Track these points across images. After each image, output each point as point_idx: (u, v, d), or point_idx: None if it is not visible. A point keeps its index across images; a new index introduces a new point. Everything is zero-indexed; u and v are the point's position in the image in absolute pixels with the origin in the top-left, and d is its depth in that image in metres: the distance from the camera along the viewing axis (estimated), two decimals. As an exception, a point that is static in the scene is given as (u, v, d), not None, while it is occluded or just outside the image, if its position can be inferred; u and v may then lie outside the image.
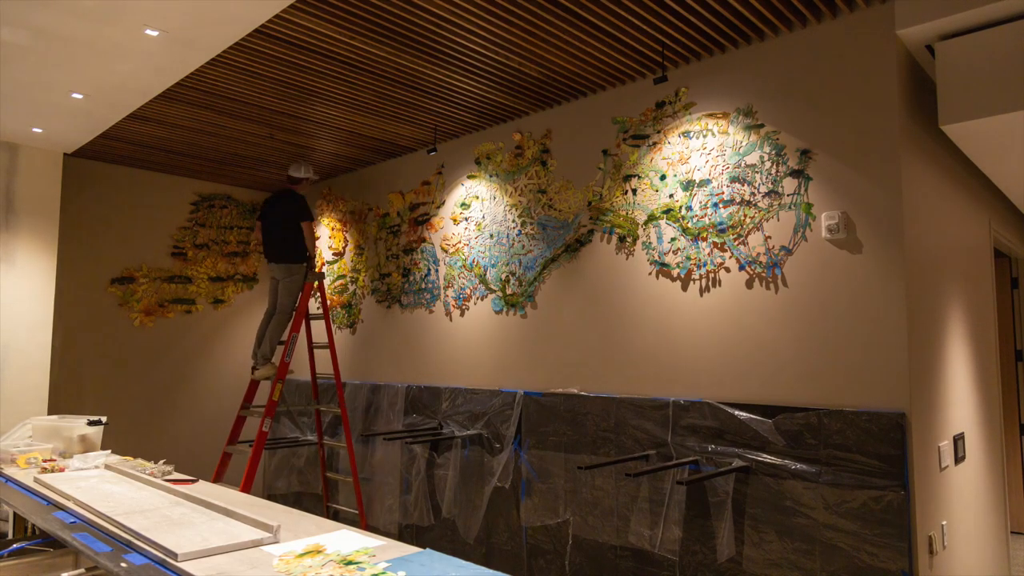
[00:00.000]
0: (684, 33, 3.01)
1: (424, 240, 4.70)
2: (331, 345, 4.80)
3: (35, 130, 4.03)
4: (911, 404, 2.56)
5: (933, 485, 2.73)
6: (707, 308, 3.15)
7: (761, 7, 2.77)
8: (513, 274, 4.04)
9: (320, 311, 5.43)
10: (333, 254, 5.53)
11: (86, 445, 3.39)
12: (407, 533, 4.50)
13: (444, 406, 4.32)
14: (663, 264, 3.32)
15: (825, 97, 2.85)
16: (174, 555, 1.76)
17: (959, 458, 3.10)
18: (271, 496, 5.63)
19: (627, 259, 3.48)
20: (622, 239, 3.50)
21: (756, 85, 3.06)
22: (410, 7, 2.78)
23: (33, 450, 3.19)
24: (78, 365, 5.01)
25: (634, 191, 3.47)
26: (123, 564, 1.75)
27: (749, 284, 3.02)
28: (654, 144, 3.41)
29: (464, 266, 4.35)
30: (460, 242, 4.40)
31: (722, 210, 3.11)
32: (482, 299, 4.23)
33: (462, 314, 4.36)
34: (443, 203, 4.58)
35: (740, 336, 3.03)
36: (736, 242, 3.06)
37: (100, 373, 5.12)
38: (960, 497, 3.10)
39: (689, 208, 3.23)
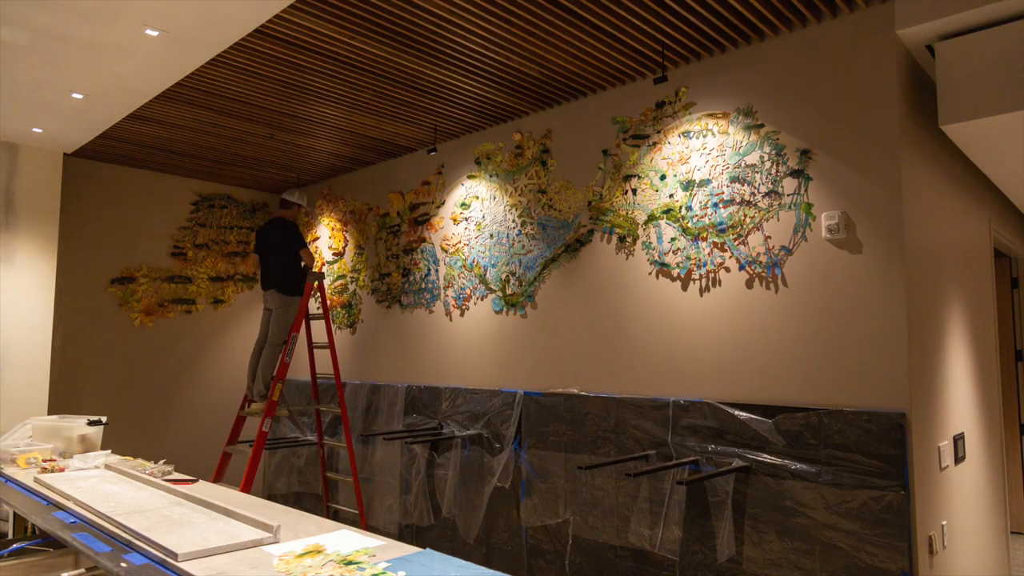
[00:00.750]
0: (684, 33, 3.01)
1: (424, 240, 4.70)
2: (331, 345, 4.80)
3: (35, 130, 4.03)
4: (911, 404, 2.56)
5: (933, 485, 2.73)
6: (707, 308, 3.15)
7: (761, 7, 2.77)
8: (513, 274, 4.04)
9: (320, 311, 5.43)
10: (333, 254, 5.53)
11: (86, 445, 3.39)
12: (407, 533, 4.50)
13: (444, 406, 4.32)
14: (663, 264, 3.32)
15: (825, 97, 2.85)
16: (174, 555, 1.76)
17: (959, 458, 3.10)
18: (271, 496, 5.63)
19: (627, 259, 3.48)
20: (622, 239, 3.50)
21: (756, 85, 3.06)
22: (410, 7, 2.78)
23: (33, 450, 3.19)
24: (78, 365, 5.01)
25: (634, 191, 3.47)
26: (123, 564, 1.75)
27: (749, 284, 3.02)
28: (654, 144, 3.41)
29: (464, 266, 4.35)
30: (460, 242, 4.40)
31: (722, 210, 3.11)
32: (482, 299, 4.23)
33: (462, 314, 4.36)
34: (443, 203, 4.58)
35: (740, 336, 3.03)
36: (736, 242, 3.06)
37: (100, 373, 5.12)
38: (960, 497, 3.10)
39: (689, 208, 3.23)
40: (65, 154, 4.57)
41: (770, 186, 2.97)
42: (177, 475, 2.85)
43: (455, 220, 4.46)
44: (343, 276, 5.40)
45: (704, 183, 3.19)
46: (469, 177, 4.39)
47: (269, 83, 3.60)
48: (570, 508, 3.55)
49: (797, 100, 2.93)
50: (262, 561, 1.75)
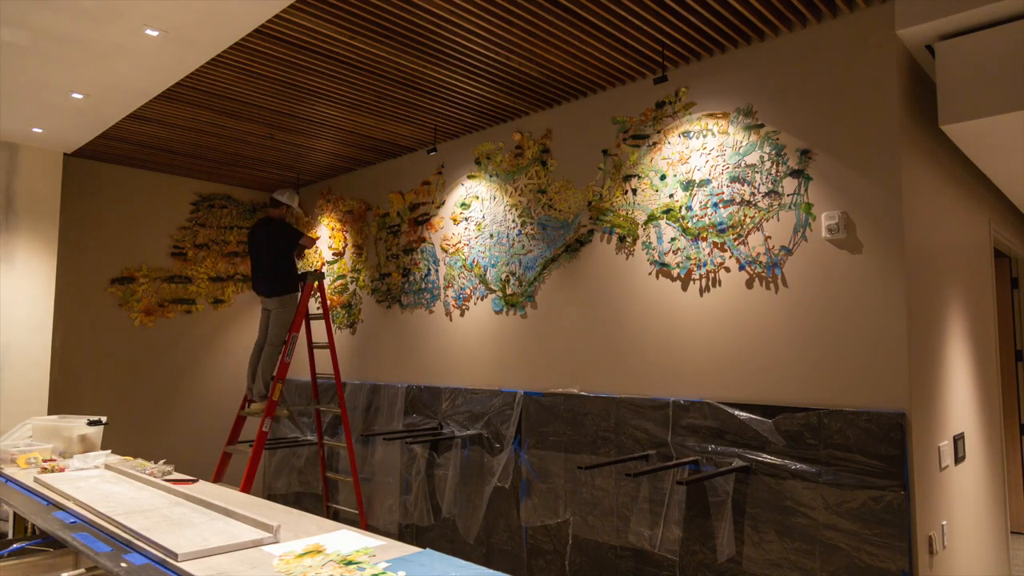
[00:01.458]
0: (684, 33, 3.01)
1: (424, 240, 4.70)
2: (331, 345, 4.80)
3: (35, 130, 4.03)
4: (911, 404, 2.56)
5: (933, 485, 2.73)
6: (707, 308, 3.15)
7: (761, 7, 2.77)
8: (513, 274, 4.04)
9: (320, 311, 5.43)
10: (333, 254, 5.53)
11: (86, 445, 3.39)
12: (407, 533, 4.50)
13: (444, 406, 4.32)
14: (663, 264, 3.32)
15: (825, 97, 2.85)
16: (174, 555, 1.76)
17: (959, 458, 3.10)
18: (271, 496, 5.63)
19: (627, 259, 3.48)
20: (622, 239, 3.50)
21: (756, 85, 3.06)
22: (410, 7, 2.78)
23: (33, 450, 3.19)
24: (78, 365, 5.01)
25: (634, 191, 3.47)
26: (123, 564, 1.75)
27: (749, 284, 3.02)
28: (654, 144, 3.41)
29: (464, 266, 4.35)
30: (460, 242, 4.40)
31: (722, 210, 3.11)
32: (482, 299, 4.23)
33: (462, 314, 4.36)
34: (443, 203, 4.58)
35: (740, 336, 3.03)
36: (736, 242, 3.06)
37: (100, 373, 5.12)
38: (960, 497, 3.10)
39: (689, 208, 3.23)
40: (65, 154, 4.57)
41: (770, 186, 2.97)
42: (177, 475, 2.85)
43: (455, 220, 4.46)
44: (343, 276, 5.40)
45: (704, 183, 3.19)
46: (469, 177, 4.39)
47: (269, 83, 3.60)
48: (570, 508, 3.55)
49: (797, 100, 2.93)
50: (262, 561, 1.75)
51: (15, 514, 2.84)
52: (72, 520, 2.18)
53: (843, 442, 2.64)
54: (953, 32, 2.66)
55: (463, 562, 1.70)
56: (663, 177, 3.35)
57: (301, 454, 5.48)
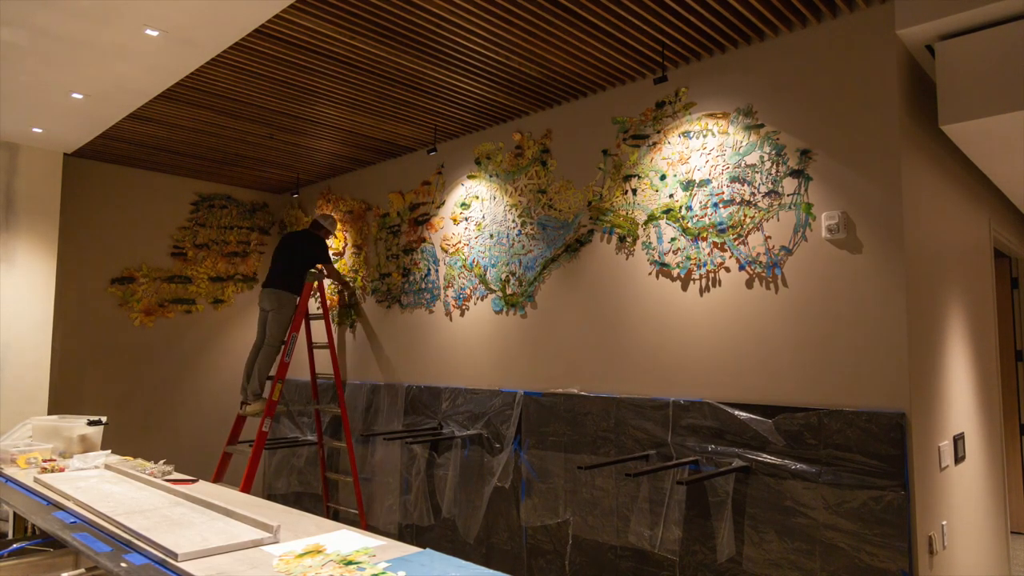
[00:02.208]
0: (684, 33, 3.01)
1: (424, 240, 4.70)
2: (331, 345, 4.81)
3: (35, 130, 4.03)
4: (911, 404, 2.56)
5: (933, 485, 2.73)
6: (707, 308, 3.15)
7: (761, 7, 2.77)
8: (513, 274, 4.04)
9: (320, 311, 5.43)
10: (333, 254, 5.53)
11: (86, 445, 3.39)
12: (407, 533, 4.50)
13: (444, 406, 4.32)
14: (663, 264, 3.32)
15: (825, 97, 2.85)
16: (174, 555, 1.76)
17: (959, 458, 3.10)
18: (271, 496, 5.63)
19: (627, 259, 3.48)
20: (622, 239, 3.50)
21: (756, 85, 3.06)
22: (410, 7, 2.78)
23: (33, 450, 3.19)
24: (78, 365, 5.01)
25: (634, 191, 3.47)
26: (123, 564, 1.75)
27: (749, 284, 3.02)
28: (654, 144, 3.41)
29: (464, 266, 4.35)
30: (460, 242, 4.40)
31: (722, 210, 3.11)
32: (482, 299, 4.23)
33: (462, 314, 4.36)
34: (443, 203, 4.58)
35: (740, 336, 3.03)
36: (736, 242, 3.06)
37: (100, 373, 5.12)
38: (960, 497, 3.10)
39: (689, 208, 3.23)
40: (65, 154, 4.58)
41: (770, 186, 2.97)
42: (177, 475, 2.85)
43: (455, 220, 4.46)
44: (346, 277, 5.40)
45: (704, 183, 3.19)
46: (469, 177, 4.39)
47: (269, 83, 3.60)
48: (570, 508, 3.55)
49: (797, 100, 2.93)
50: (262, 561, 1.75)
51: (15, 514, 2.85)
52: (72, 520, 2.19)
53: (843, 442, 2.64)
54: (953, 32, 2.66)
55: (463, 562, 1.70)
56: (663, 177, 3.35)
57: (301, 454, 5.48)
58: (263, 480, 5.85)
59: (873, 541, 2.54)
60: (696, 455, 3.05)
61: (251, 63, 3.34)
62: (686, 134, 3.28)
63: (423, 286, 4.67)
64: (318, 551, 1.79)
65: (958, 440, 3.11)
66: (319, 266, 4.95)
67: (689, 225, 3.23)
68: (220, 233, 5.80)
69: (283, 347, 4.59)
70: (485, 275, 4.21)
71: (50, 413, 4.34)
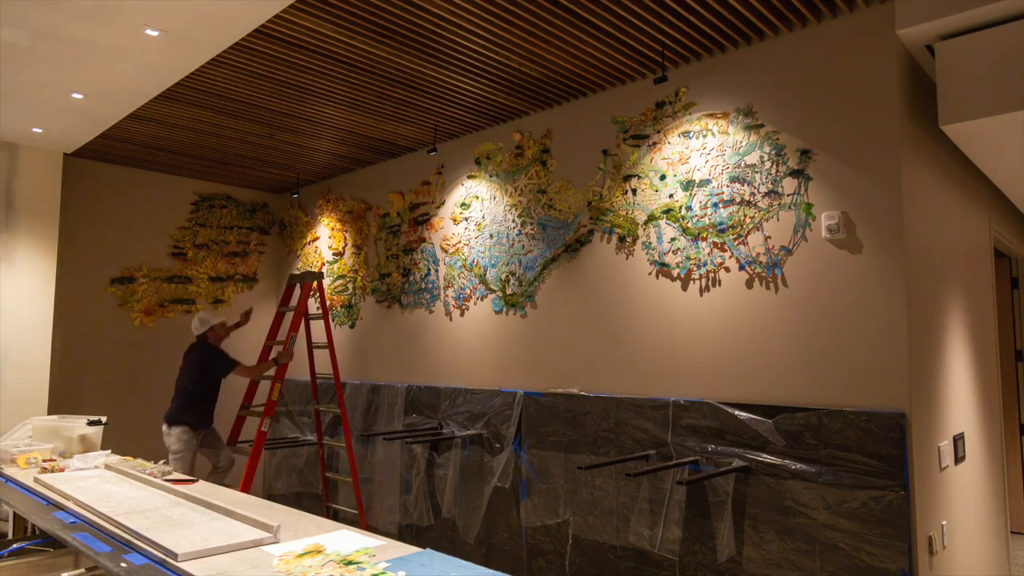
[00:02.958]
0: (684, 33, 3.01)
1: (424, 240, 4.70)
2: (331, 345, 4.80)
3: (35, 130, 4.03)
4: (911, 404, 2.56)
5: (933, 485, 2.73)
6: (707, 308, 3.15)
7: (761, 7, 2.77)
8: (513, 274, 4.04)
9: (320, 311, 5.43)
10: (333, 254, 5.53)
11: (86, 445, 3.39)
12: (407, 533, 4.50)
13: (444, 406, 4.32)
14: (663, 264, 3.32)
15: (825, 97, 2.85)
16: (174, 555, 1.76)
17: (959, 458, 3.10)
18: (271, 496, 5.63)
19: (627, 259, 3.48)
20: (622, 239, 3.50)
21: (756, 85, 3.06)
22: (410, 7, 2.78)
23: (33, 450, 3.19)
24: (78, 365, 5.01)
25: (634, 191, 3.47)
26: (123, 564, 1.75)
27: (749, 284, 3.02)
28: (654, 144, 3.41)
29: (464, 266, 4.35)
30: (460, 242, 4.40)
31: (722, 210, 3.11)
32: (482, 299, 4.23)
33: (462, 314, 4.36)
34: (443, 203, 4.58)
35: (740, 336, 3.03)
36: (736, 242, 3.06)
37: (100, 373, 5.12)
38: (960, 497, 3.10)
39: (689, 208, 3.23)
40: (65, 154, 4.57)
41: (770, 186, 2.97)
42: (177, 475, 2.85)
43: (455, 220, 4.46)
44: (343, 276, 5.40)
45: (704, 183, 3.19)
46: (469, 177, 4.39)
47: (269, 83, 3.60)
48: (570, 508, 3.55)
49: (797, 100, 2.93)
50: (262, 561, 1.75)
51: (15, 514, 2.85)
52: (72, 520, 2.18)
53: (843, 442, 2.64)
54: (953, 32, 2.66)
55: (463, 562, 1.70)
56: (663, 177, 3.35)
57: (301, 454, 5.48)
58: (263, 480, 5.85)
59: (873, 541, 2.54)
60: (696, 455, 3.05)
61: (251, 63, 3.34)
62: (686, 134, 3.28)
63: (423, 286, 4.67)
64: (318, 551, 1.79)
65: (958, 440, 3.11)
66: (319, 268, 4.92)
67: (689, 225, 3.23)
68: (220, 233, 5.80)
69: (281, 346, 4.59)
70: (485, 275, 4.21)
71: (50, 413, 4.33)
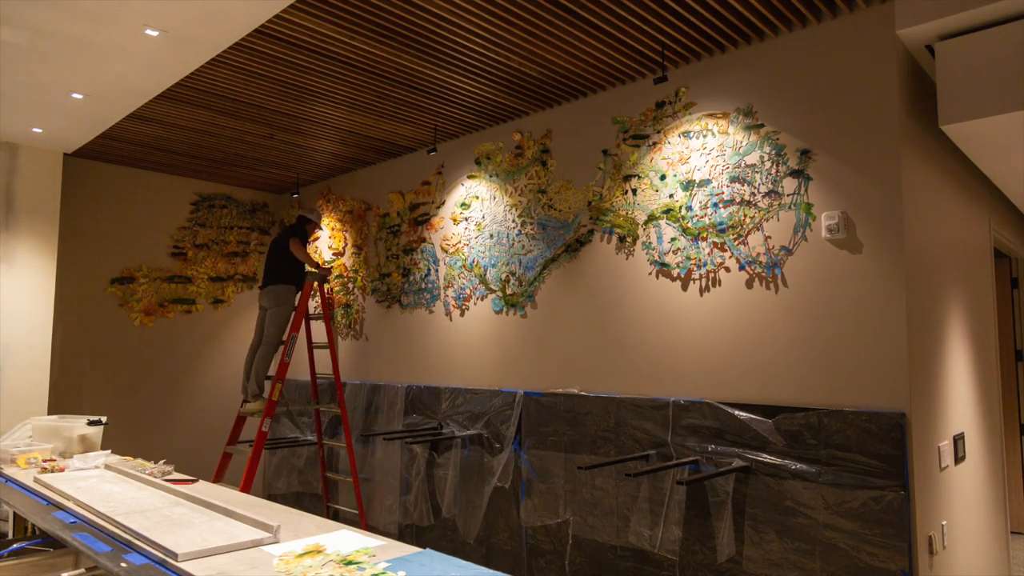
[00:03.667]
0: (684, 33, 3.01)
1: (424, 240, 4.70)
2: (331, 345, 4.81)
3: (35, 130, 4.03)
4: (911, 404, 2.56)
5: (933, 485, 2.73)
6: (707, 308, 3.15)
7: (761, 7, 2.77)
8: (513, 274, 4.04)
9: (320, 311, 5.43)
10: (333, 254, 5.53)
11: (86, 445, 3.39)
12: (407, 533, 4.50)
13: (444, 406, 4.32)
14: (663, 264, 3.32)
15: (825, 97, 2.85)
16: (174, 555, 1.76)
17: (959, 458, 3.10)
18: (271, 496, 5.63)
19: (627, 259, 3.48)
20: (622, 239, 3.50)
21: (756, 85, 3.06)
22: (410, 7, 2.78)
23: (33, 450, 3.19)
24: (78, 365, 5.01)
25: (634, 191, 3.47)
26: (123, 564, 1.75)
27: (749, 284, 3.02)
28: (654, 144, 3.41)
29: (464, 266, 4.35)
30: (460, 242, 4.40)
31: (722, 210, 3.11)
32: (482, 299, 4.23)
33: (462, 314, 4.36)
34: (443, 203, 4.58)
35: (740, 336, 3.03)
36: (736, 242, 3.06)
37: (100, 373, 5.12)
38: (960, 497, 3.10)
39: (689, 208, 3.23)
40: (65, 154, 4.57)
41: (770, 186, 2.97)
42: (177, 475, 2.85)
43: (455, 220, 4.46)
44: (342, 276, 5.40)
45: (704, 183, 3.19)
46: (469, 177, 4.39)
47: (269, 83, 3.60)
48: (570, 508, 3.55)
49: (797, 100, 2.93)
50: (262, 561, 1.75)
51: (15, 514, 2.85)
52: (72, 520, 2.18)
53: (843, 442, 2.64)
54: (953, 32, 2.66)
55: (463, 562, 1.70)
56: (663, 177, 3.35)
57: (301, 454, 5.48)
58: (263, 480, 5.85)
59: (873, 541, 2.54)
60: (696, 455, 3.05)
61: (251, 63, 3.34)
62: (686, 134, 3.28)
63: (423, 286, 4.67)
64: (318, 551, 1.79)
65: (958, 440, 3.11)
66: (323, 268, 4.95)
67: (689, 225, 3.23)
68: (220, 233, 5.80)
69: (282, 347, 4.59)
70: (485, 275, 4.21)
71: (50, 413, 4.33)
